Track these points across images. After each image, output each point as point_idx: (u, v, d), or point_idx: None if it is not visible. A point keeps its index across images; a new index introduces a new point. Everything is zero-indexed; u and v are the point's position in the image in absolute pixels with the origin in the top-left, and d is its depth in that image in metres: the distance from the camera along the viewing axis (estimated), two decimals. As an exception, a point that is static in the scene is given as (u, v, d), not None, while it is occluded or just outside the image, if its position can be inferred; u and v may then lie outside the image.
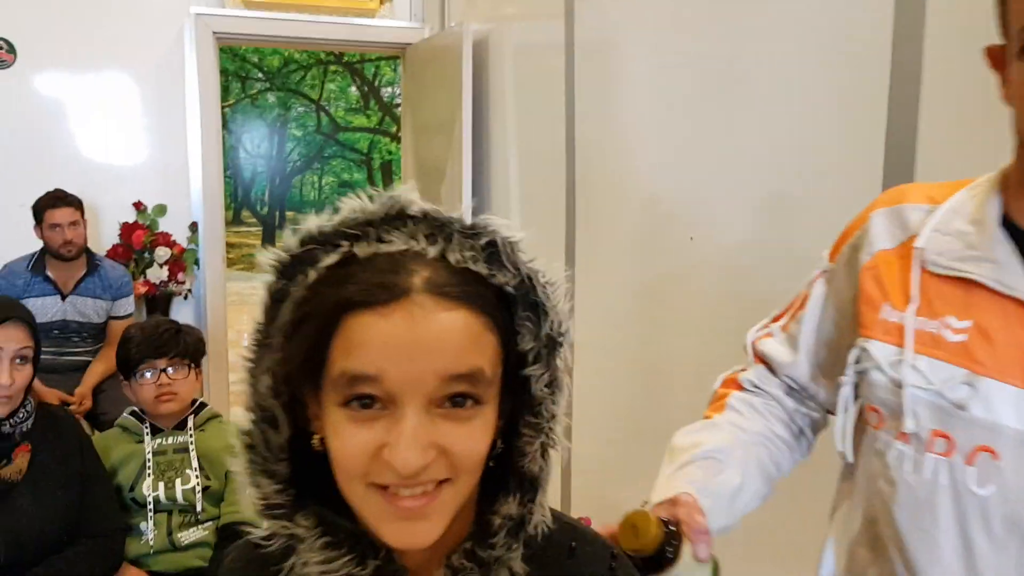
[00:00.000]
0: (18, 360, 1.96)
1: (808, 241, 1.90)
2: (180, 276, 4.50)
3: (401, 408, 0.65)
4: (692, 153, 2.45)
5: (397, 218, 0.70)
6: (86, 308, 3.81)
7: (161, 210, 4.53)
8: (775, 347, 1.17)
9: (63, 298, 3.75)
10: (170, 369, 2.30)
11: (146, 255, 4.45)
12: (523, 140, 3.69)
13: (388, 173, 12.64)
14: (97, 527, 2.10)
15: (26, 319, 2.01)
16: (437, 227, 0.70)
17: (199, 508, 2.28)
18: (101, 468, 2.18)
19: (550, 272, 0.72)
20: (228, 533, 2.27)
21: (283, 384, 0.71)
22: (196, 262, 4.60)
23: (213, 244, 4.58)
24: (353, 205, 0.71)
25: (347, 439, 0.67)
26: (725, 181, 2.28)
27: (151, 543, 2.23)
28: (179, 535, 2.26)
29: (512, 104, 3.77)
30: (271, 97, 12.01)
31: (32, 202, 3.76)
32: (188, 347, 2.36)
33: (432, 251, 0.68)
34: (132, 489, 2.25)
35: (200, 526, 2.28)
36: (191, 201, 4.56)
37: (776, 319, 1.20)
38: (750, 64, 2.18)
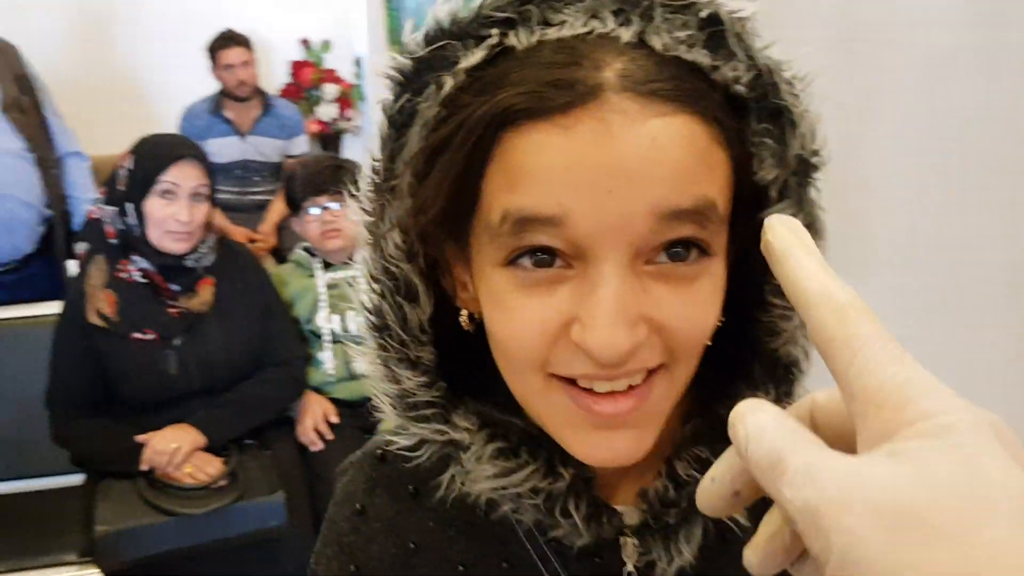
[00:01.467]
0: (195, 197, 2.02)
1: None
2: (348, 113, 4.55)
3: (596, 265, 0.46)
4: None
5: None
6: (264, 147, 3.91)
7: (326, 46, 4.55)
8: None
9: (242, 138, 3.86)
10: (333, 205, 2.32)
11: (314, 93, 4.51)
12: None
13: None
14: (280, 355, 2.20)
15: (199, 157, 2.05)
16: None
17: (373, 339, 2.34)
18: (280, 300, 2.27)
19: (798, 62, 0.51)
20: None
21: (417, 241, 0.53)
22: (362, 97, 4.62)
23: (378, 79, 4.55)
24: None
25: (516, 314, 0.49)
26: None
27: (330, 372, 2.32)
28: (355, 364, 2.33)
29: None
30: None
31: (203, 44, 3.83)
32: (350, 182, 2.36)
33: (626, 33, 0.47)
34: (309, 321, 2.34)
35: (375, 356, 2.35)
36: (354, 35, 4.54)
37: None
38: None
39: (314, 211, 2.32)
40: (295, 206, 2.34)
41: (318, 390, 2.31)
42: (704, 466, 0.54)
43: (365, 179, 0.55)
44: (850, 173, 1.72)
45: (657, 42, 0.47)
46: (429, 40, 0.51)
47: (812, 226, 0.51)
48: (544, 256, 0.47)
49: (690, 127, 0.46)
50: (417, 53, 0.51)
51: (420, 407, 0.56)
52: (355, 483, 0.66)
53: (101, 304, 2.01)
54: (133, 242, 2.02)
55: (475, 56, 0.49)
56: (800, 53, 0.51)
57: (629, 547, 0.58)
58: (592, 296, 0.46)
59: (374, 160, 0.54)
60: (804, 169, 0.50)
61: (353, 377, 2.33)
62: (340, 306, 2.35)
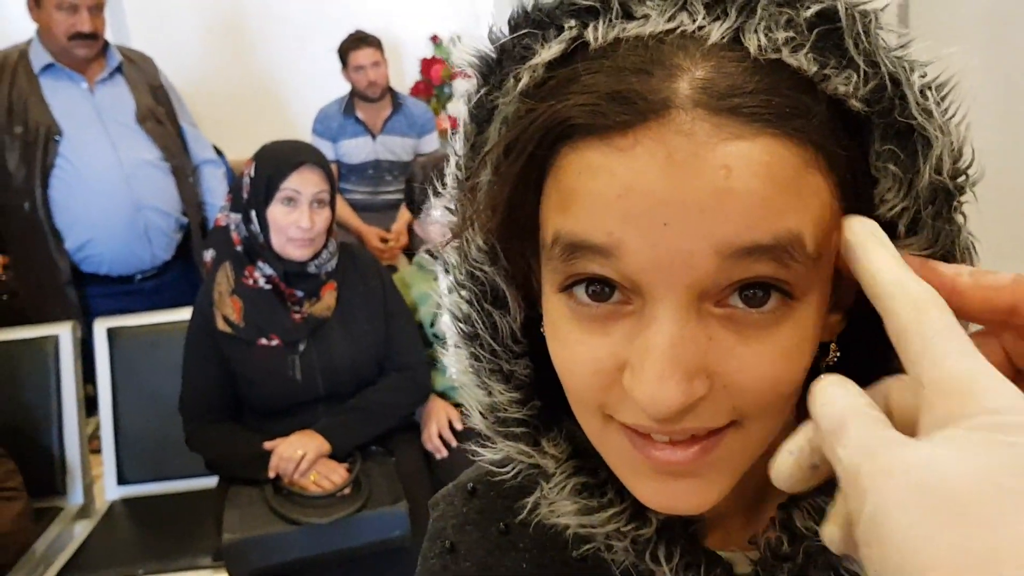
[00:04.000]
0: (316, 203, 2.01)
1: None
2: (479, 109, 4.52)
3: (651, 304, 0.40)
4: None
5: None
6: (395, 147, 3.94)
7: (456, 42, 4.53)
8: None
9: (374, 138, 3.89)
10: (455, 206, 2.27)
11: (445, 90, 4.50)
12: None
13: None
14: (403, 360, 2.17)
15: (320, 163, 2.04)
16: None
17: (498, 342, 2.29)
18: (403, 304, 2.24)
19: (937, 66, 0.41)
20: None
21: (499, 245, 0.48)
22: (494, 92, 4.59)
23: (509, 72, 4.52)
24: None
25: (570, 348, 0.43)
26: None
27: (455, 378, 2.28)
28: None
29: None
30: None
31: (334, 45, 3.88)
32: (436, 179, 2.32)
33: (716, 32, 0.40)
34: (433, 325, 2.30)
35: (500, 360, 2.30)
36: (484, 30, 4.51)
37: None
38: None
39: (437, 213, 2.27)
40: (416, 208, 2.31)
41: (443, 395, 2.28)
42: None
43: (451, 176, 0.51)
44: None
45: (753, 43, 0.39)
46: (512, 27, 0.45)
47: (951, 255, 0.42)
48: (600, 288, 0.42)
49: (774, 152, 0.38)
50: (500, 40, 0.46)
51: (510, 423, 0.52)
52: (445, 518, 0.63)
53: (228, 311, 2.03)
54: (258, 249, 2.03)
55: (551, 50, 0.43)
56: (942, 53, 0.41)
57: None
58: (643, 341, 0.40)
59: (456, 155, 0.50)
60: (945, 197, 0.41)
61: (478, 381, 2.28)
62: (464, 308, 2.30)
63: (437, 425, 2.19)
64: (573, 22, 0.42)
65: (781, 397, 0.42)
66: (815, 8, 0.39)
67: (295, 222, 1.99)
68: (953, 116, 0.41)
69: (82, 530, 2.24)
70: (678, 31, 0.40)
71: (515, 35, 0.45)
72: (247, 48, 4.36)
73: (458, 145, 0.50)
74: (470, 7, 4.49)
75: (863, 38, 0.40)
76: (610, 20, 0.41)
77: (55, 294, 2.65)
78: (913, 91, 0.40)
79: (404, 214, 3.93)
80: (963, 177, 0.42)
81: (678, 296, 0.39)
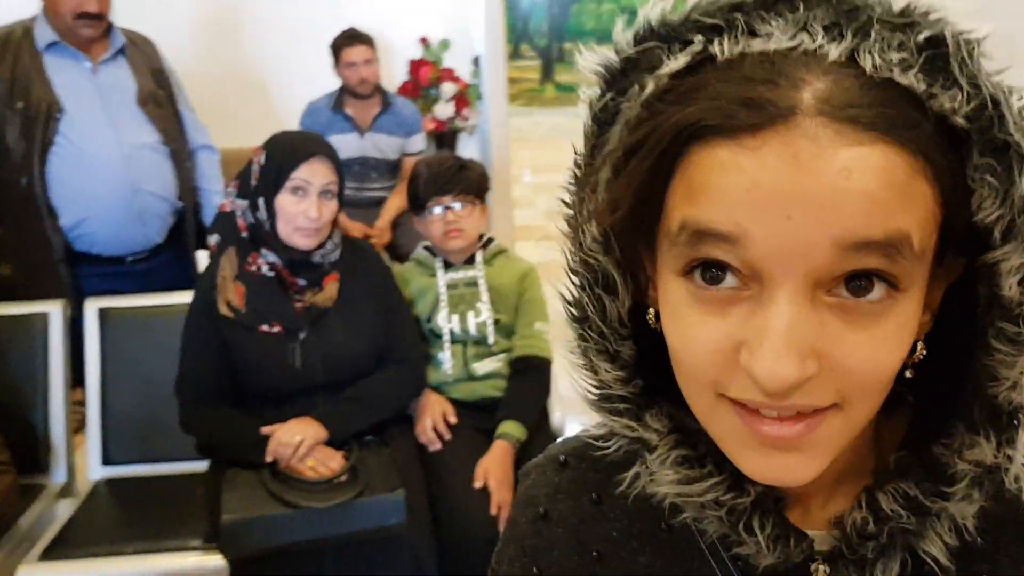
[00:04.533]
0: (324, 194, 2.04)
1: None
2: (465, 112, 4.57)
3: (771, 290, 0.45)
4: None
5: (780, 0, 0.47)
6: (382, 144, 3.97)
7: (445, 45, 4.57)
8: None
9: (361, 135, 3.91)
10: (456, 205, 2.31)
11: (432, 91, 4.54)
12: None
13: (671, -4, 12.10)
14: (401, 353, 2.21)
15: (330, 155, 2.07)
16: (845, 12, 0.46)
17: (491, 340, 2.33)
18: (403, 298, 2.28)
19: None
20: (520, 366, 2.32)
21: (612, 235, 0.53)
22: (479, 97, 4.64)
23: (495, 78, 4.58)
24: None
25: (688, 329, 0.48)
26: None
27: (449, 372, 2.32)
28: (474, 365, 2.33)
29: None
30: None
31: (327, 43, 3.90)
32: (472, 183, 2.36)
33: (834, 51, 0.44)
34: (429, 321, 2.34)
35: (493, 357, 2.34)
36: (472, 35, 4.56)
37: None
38: None
39: (437, 210, 2.32)
40: (419, 205, 2.35)
41: (437, 390, 2.31)
42: (911, 503, 0.51)
43: (568, 173, 0.56)
44: None
45: (868, 62, 0.44)
46: (638, 40, 0.51)
47: None
48: (718, 272, 0.46)
49: (889, 158, 0.43)
50: (625, 52, 0.51)
51: (615, 400, 0.56)
52: (537, 487, 0.66)
53: (231, 295, 2.05)
54: (263, 236, 2.05)
55: (678, 62, 0.48)
56: None
57: (820, 574, 0.55)
58: (763, 320, 0.45)
59: (576, 154, 0.55)
60: None
61: (472, 378, 2.32)
62: (459, 307, 2.34)
63: (431, 419, 2.22)
64: (699, 37, 0.47)
65: (880, 383, 0.47)
66: (925, 34, 0.44)
67: (303, 211, 2.02)
68: None
69: (65, 509, 2.23)
70: (800, 49, 0.45)
71: (641, 47, 0.50)
72: (237, 39, 4.36)
73: (579, 145, 0.55)
74: (460, 11, 4.53)
75: (967, 62, 0.44)
76: (735, 37, 0.46)
77: (47, 271, 2.64)
78: (1012, 111, 0.45)
79: (388, 211, 3.97)
80: None
81: (796, 283, 0.44)
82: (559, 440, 0.69)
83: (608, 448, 0.58)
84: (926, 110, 0.44)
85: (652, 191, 0.48)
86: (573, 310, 0.56)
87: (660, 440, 0.55)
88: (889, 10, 0.45)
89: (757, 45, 0.46)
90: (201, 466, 2.15)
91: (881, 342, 0.46)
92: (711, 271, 0.46)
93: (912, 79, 0.44)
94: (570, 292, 0.56)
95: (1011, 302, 0.46)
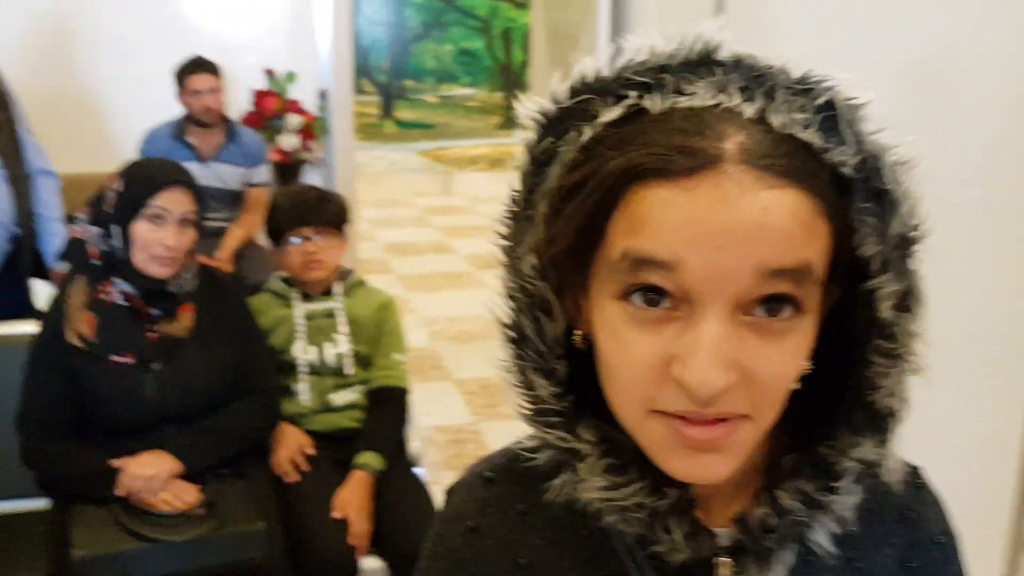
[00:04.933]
0: (182, 223, 2.01)
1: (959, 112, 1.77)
2: (310, 144, 4.56)
3: (700, 310, 0.52)
4: (846, 19, 2.28)
5: (701, 64, 0.56)
6: (225, 174, 3.90)
7: (291, 77, 4.56)
8: None
9: (203, 164, 3.83)
10: (316, 236, 2.33)
11: (276, 122, 4.51)
12: (666, 8, 3.52)
13: (508, 41, 12.41)
14: (257, 384, 2.19)
15: (191, 184, 2.05)
16: (755, 78, 0.54)
17: (349, 371, 2.35)
18: (258, 329, 2.26)
19: (901, 148, 0.55)
20: (378, 397, 2.35)
21: (549, 265, 0.59)
22: (325, 130, 4.64)
23: (342, 112, 4.59)
24: (640, 45, 0.56)
25: (626, 346, 0.54)
26: (879, 49, 2.13)
27: (306, 404, 2.32)
28: (331, 397, 2.34)
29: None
30: (390, -39, 11.86)
31: (168, 69, 3.81)
32: (333, 214, 2.38)
33: (749, 110, 0.53)
34: (285, 352, 2.33)
35: (351, 388, 2.36)
36: (320, 68, 4.57)
37: None
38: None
39: (296, 241, 2.32)
40: (277, 235, 2.34)
41: (293, 422, 2.30)
42: (805, 498, 0.59)
43: (503, 207, 0.62)
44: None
45: (776, 120, 0.52)
46: (574, 92, 0.58)
47: (911, 294, 0.56)
48: (653, 296, 0.53)
49: (797, 200, 0.51)
50: (563, 102, 0.58)
51: (549, 414, 0.61)
52: (465, 503, 0.70)
53: (81, 325, 1.98)
54: (116, 264, 2.00)
55: (613, 112, 0.55)
56: (906, 140, 0.56)
57: (724, 567, 0.62)
58: (694, 336, 0.51)
59: (514, 191, 0.61)
60: (904, 244, 0.55)
61: (329, 409, 2.33)
62: (316, 338, 2.35)
63: (288, 451, 2.21)
64: (632, 92, 0.55)
65: (783, 392, 0.55)
66: (822, 99, 0.54)
67: (160, 240, 1.98)
68: (912, 185, 0.55)
69: None
70: (721, 107, 0.53)
71: (577, 99, 0.57)
72: (73, 61, 4.19)
73: (516, 183, 0.61)
74: (307, 45, 4.53)
75: (854, 123, 0.54)
76: (665, 94, 0.54)
77: None
78: (887, 165, 0.54)
79: (229, 242, 3.89)
80: (918, 230, 0.56)
81: (722, 304, 0.51)
82: (482, 458, 0.73)
83: (538, 459, 0.63)
84: (822, 161, 0.53)
85: (594, 226, 0.54)
86: (511, 332, 0.61)
87: (591, 450, 0.60)
88: (789, 77, 0.55)
89: (684, 102, 0.54)
90: (41, 504, 2.05)
91: (787, 356, 0.54)
92: (648, 294, 0.53)
93: (811, 136, 0.53)
94: (508, 315, 0.61)
95: (887, 322, 0.55)
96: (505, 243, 0.61)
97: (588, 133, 0.56)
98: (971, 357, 1.77)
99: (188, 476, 2.00)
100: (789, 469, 0.61)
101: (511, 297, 0.61)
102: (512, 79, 12.36)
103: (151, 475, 1.92)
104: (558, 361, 0.61)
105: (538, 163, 0.59)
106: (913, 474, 0.71)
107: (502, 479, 0.70)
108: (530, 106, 0.59)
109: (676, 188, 0.51)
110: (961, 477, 1.74)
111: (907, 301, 0.56)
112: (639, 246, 0.52)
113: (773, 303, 0.52)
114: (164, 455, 1.98)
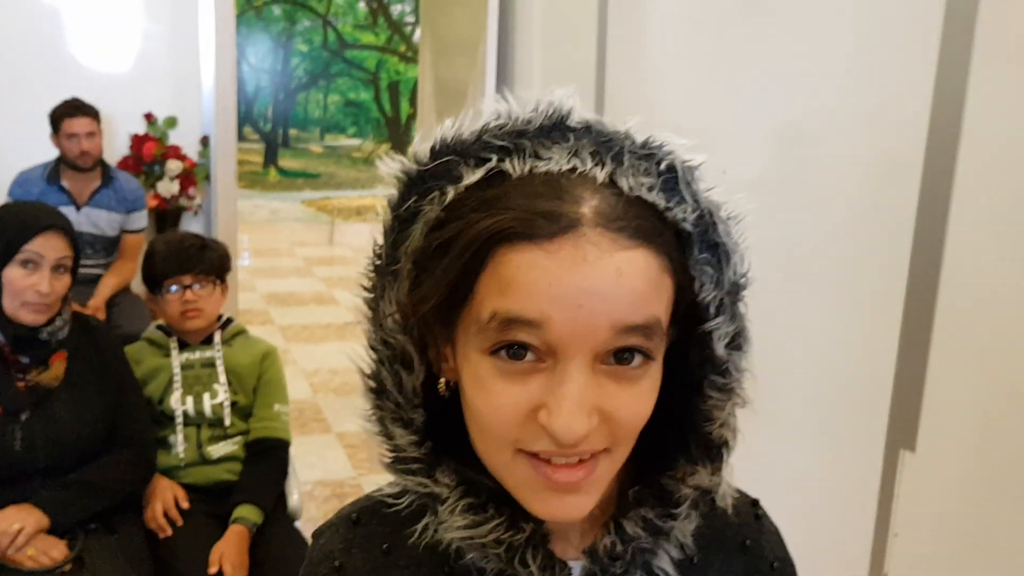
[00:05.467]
0: (57, 269, 1.96)
1: (822, 174, 1.91)
2: (191, 191, 4.48)
3: (563, 363, 0.56)
4: (718, 81, 2.42)
5: (555, 128, 0.59)
6: (100, 220, 3.79)
7: (171, 122, 4.49)
8: None
9: (77, 209, 3.72)
10: (196, 285, 2.29)
11: (156, 168, 4.42)
12: (550, 65, 3.64)
13: (395, 94, 12.50)
14: (132, 436, 2.13)
15: (67, 229, 2.01)
16: (603, 143, 0.59)
17: (227, 423, 2.31)
18: (134, 378, 2.20)
19: (730, 204, 0.61)
20: (257, 448, 2.31)
21: (415, 320, 0.61)
22: (207, 177, 4.57)
23: (225, 159, 4.53)
24: (498, 110, 0.60)
25: (496, 397, 0.57)
26: (749, 112, 2.27)
27: (181, 456, 2.26)
28: (209, 448, 2.29)
29: (540, 23, 3.71)
30: (276, 9, 11.80)
31: (42, 110, 3.70)
32: (213, 263, 2.35)
33: (600, 174, 0.57)
34: (161, 402, 2.28)
35: (229, 440, 2.32)
36: (202, 115, 4.51)
37: None
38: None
39: (175, 289, 2.28)
40: (155, 283, 2.30)
41: (168, 474, 2.24)
42: (648, 526, 0.64)
43: (366, 261, 0.64)
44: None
45: (624, 183, 0.57)
46: (435, 154, 0.60)
47: (741, 334, 0.62)
48: (520, 350, 0.56)
49: (647, 259, 0.56)
50: (425, 163, 0.60)
51: (408, 461, 0.64)
52: (332, 543, 0.71)
53: (-58, 374, 1.90)
54: (-16, 311, 1.93)
55: (475, 175, 0.58)
56: (735, 196, 0.63)
57: None
58: (559, 388, 0.55)
59: (377, 246, 0.63)
60: (736, 290, 0.61)
61: (206, 461, 2.28)
62: (194, 388, 2.30)
63: (163, 504, 2.15)
64: (494, 156, 0.58)
65: (638, 427, 0.60)
66: (664, 162, 0.59)
67: (33, 285, 1.93)
68: (741, 238, 0.61)
69: None
70: (577, 171, 0.57)
71: (438, 160, 0.60)
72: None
73: (379, 238, 0.63)
74: (189, 91, 4.47)
75: (690, 183, 0.59)
76: (524, 158, 0.58)
77: None
78: (721, 220, 0.60)
79: (103, 289, 3.77)
80: (745, 279, 0.62)
81: (583, 357, 0.55)
82: (349, 502, 0.75)
83: (401, 504, 0.66)
84: (666, 219, 0.58)
85: (462, 285, 0.57)
86: (371, 382, 0.64)
87: (450, 492, 0.63)
88: (634, 143, 0.59)
89: (542, 166, 0.58)
90: None
91: (640, 397, 0.58)
92: (514, 349, 0.56)
93: (655, 197, 0.58)
94: (368, 366, 0.64)
95: (720, 360, 0.61)
96: (368, 296, 0.64)
97: (451, 194, 0.59)
98: (830, 398, 1.88)
99: (56, 531, 1.92)
100: (634, 500, 0.66)
101: (373, 349, 0.64)
102: (399, 131, 12.44)
103: (16, 530, 1.84)
104: (415, 411, 0.64)
105: (401, 220, 0.61)
106: (753, 505, 0.76)
107: (367, 520, 0.71)
108: (393, 165, 0.62)
109: (540, 250, 0.54)
110: (820, 514, 1.84)
111: (738, 340, 0.62)
112: (508, 306, 0.55)
113: (626, 353, 0.57)
114: (30, 509, 1.90)
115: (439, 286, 0.58)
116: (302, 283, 7.98)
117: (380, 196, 0.63)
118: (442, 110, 4.22)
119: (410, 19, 12.20)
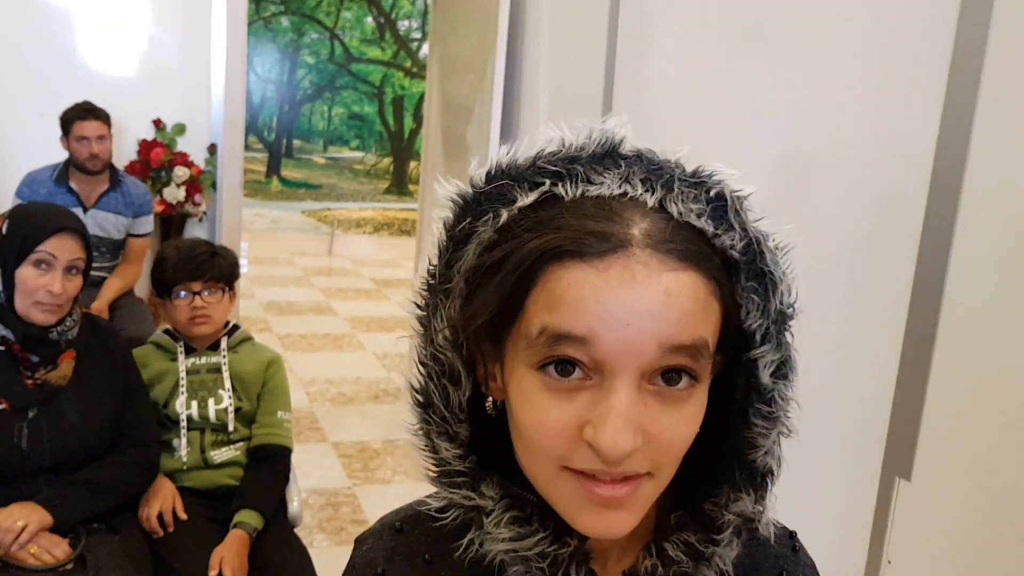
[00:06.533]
0: (70, 270, 1.99)
1: (825, 203, 1.94)
2: (197, 198, 4.51)
3: (610, 380, 0.56)
4: (723, 107, 2.46)
5: (607, 156, 0.62)
6: (107, 223, 3.82)
7: (180, 129, 4.53)
8: None
9: (84, 211, 3.75)
10: (205, 292, 2.32)
11: (163, 174, 4.45)
12: (557, 83, 3.68)
13: (400, 108, 12.58)
14: (137, 437, 2.15)
15: (80, 231, 2.03)
16: (654, 171, 0.61)
17: (231, 428, 2.33)
18: (141, 381, 2.23)
19: (778, 235, 0.62)
20: (259, 455, 2.33)
21: (465, 336, 0.63)
22: (213, 184, 4.60)
23: (231, 168, 4.58)
24: (552, 137, 0.62)
25: (542, 412, 0.58)
26: (753, 139, 2.30)
27: (184, 460, 2.28)
28: (211, 453, 2.31)
29: (548, 44, 3.75)
30: (285, 21, 11.89)
31: (52, 112, 3.74)
32: (223, 270, 2.37)
33: (650, 199, 0.59)
34: (166, 406, 2.30)
35: (232, 446, 2.34)
36: (211, 123, 4.55)
37: None
38: (782, 21, 2.18)
39: (184, 295, 2.31)
40: (165, 289, 2.33)
41: (169, 478, 2.25)
42: (689, 550, 0.65)
43: (420, 280, 0.66)
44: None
45: (674, 209, 0.59)
46: (490, 178, 0.63)
47: (787, 363, 0.63)
48: (568, 366, 0.57)
49: (695, 282, 0.57)
50: (480, 187, 0.63)
51: (453, 475, 0.65)
52: (375, 550, 0.73)
53: (-47, 370, 1.92)
54: (-4, 309, 1.95)
55: (529, 198, 0.60)
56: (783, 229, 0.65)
57: None
58: (605, 404, 0.56)
59: (431, 265, 0.65)
60: (782, 319, 0.62)
61: (208, 466, 2.30)
62: (199, 393, 2.32)
63: (160, 507, 2.16)
64: (547, 181, 0.60)
65: (681, 453, 0.60)
66: (713, 191, 0.61)
67: (46, 286, 1.95)
68: (788, 268, 0.62)
69: None
70: (627, 196, 0.59)
71: (493, 184, 0.62)
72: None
73: (433, 257, 0.65)
74: (198, 98, 4.52)
75: (739, 212, 0.60)
76: (576, 183, 0.60)
77: None
78: (768, 249, 0.61)
79: (107, 292, 3.79)
80: (792, 309, 0.62)
81: (630, 375, 0.56)
82: (392, 511, 0.76)
83: (446, 519, 0.66)
84: (714, 246, 0.59)
85: (512, 302, 0.58)
86: (419, 396, 0.65)
87: (495, 505, 0.64)
88: (684, 171, 0.61)
89: (593, 190, 0.59)
90: None
91: (685, 421, 0.58)
92: (563, 365, 0.57)
93: (704, 223, 0.59)
94: (417, 381, 0.66)
95: (765, 388, 0.62)
96: (421, 313, 0.66)
97: (505, 215, 0.60)
98: (828, 425, 1.91)
99: (59, 529, 1.94)
100: (675, 524, 0.66)
101: (422, 364, 0.65)
102: (401, 145, 12.51)
103: (19, 527, 1.85)
104: (460, 425, 0.65)
105: (455, 241, 0.63)
106: (791, 537, 0.78)
107: (411, 529, 0.73)
108: (449, 188, 0.64)
109: (591, 268, 0.55)
110: (814, 539, 1.87)
111: (783, 369, 0.62)
112: (557, 322, 0.56)
113: (673, 374, 0.57)
114: (34, 507, 1.91)
115: (490, 302, 0.59)
116: (301, 292, 8.00)
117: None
118: (448, 126, 4.26)
119: (416, 35, 12.31)
